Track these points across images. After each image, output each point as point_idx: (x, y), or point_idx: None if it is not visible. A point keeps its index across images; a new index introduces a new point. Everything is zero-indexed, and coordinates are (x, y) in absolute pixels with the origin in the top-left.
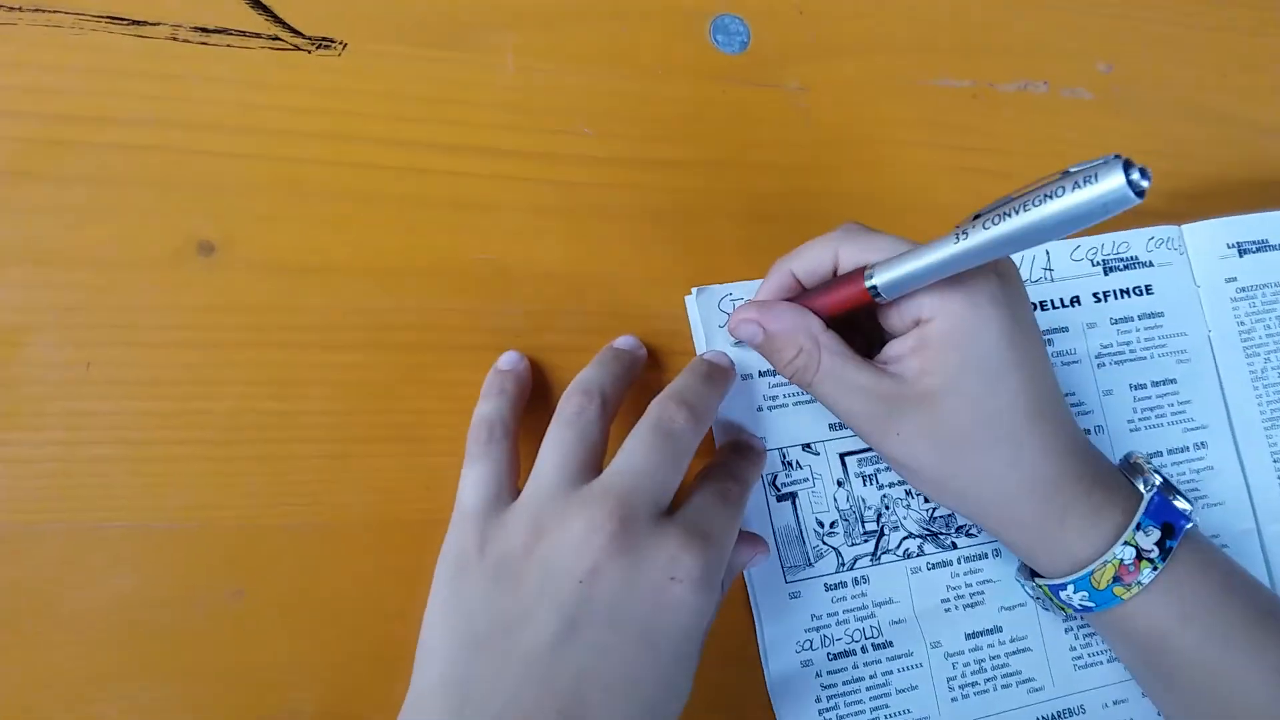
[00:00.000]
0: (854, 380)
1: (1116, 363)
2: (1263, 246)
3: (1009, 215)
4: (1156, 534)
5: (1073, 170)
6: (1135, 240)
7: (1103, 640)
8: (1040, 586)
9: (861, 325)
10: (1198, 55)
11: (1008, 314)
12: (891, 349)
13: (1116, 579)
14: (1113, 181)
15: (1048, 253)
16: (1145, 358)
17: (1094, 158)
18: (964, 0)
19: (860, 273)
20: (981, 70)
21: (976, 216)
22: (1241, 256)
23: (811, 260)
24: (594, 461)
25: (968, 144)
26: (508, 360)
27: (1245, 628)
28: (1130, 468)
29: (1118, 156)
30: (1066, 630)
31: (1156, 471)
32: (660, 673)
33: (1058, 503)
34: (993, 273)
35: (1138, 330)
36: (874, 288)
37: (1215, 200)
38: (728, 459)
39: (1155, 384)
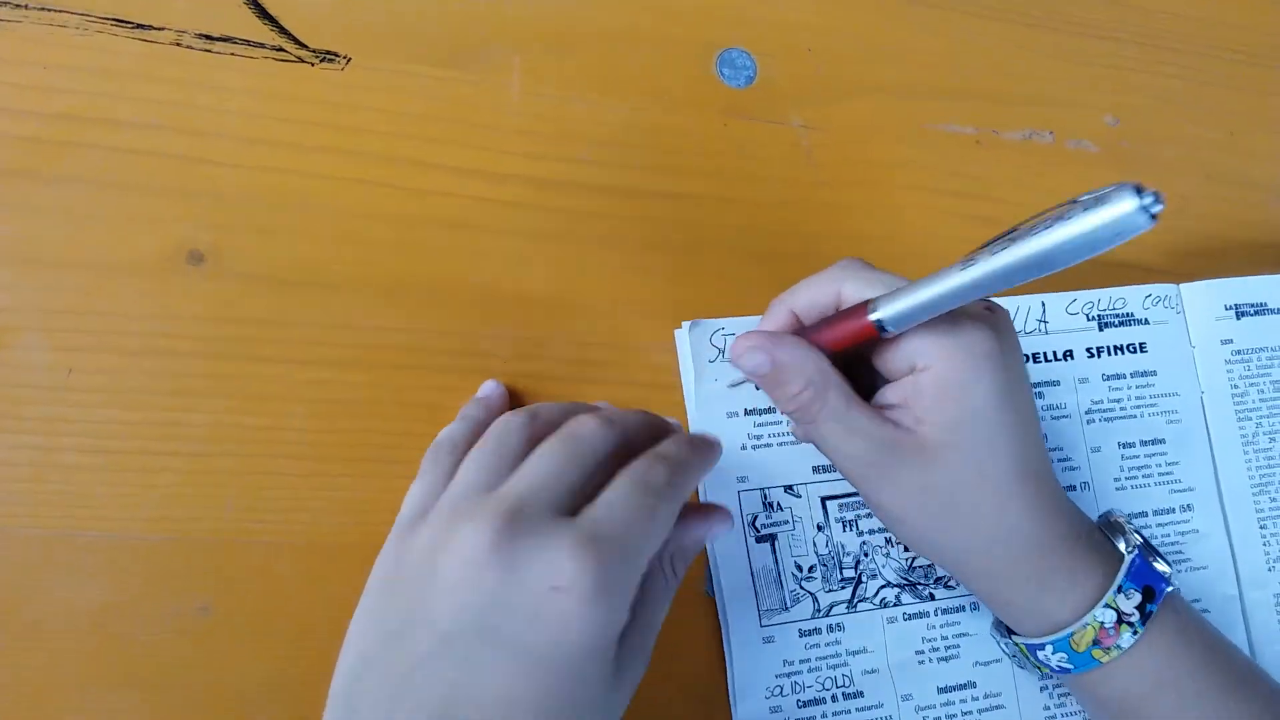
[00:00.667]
0: (857, 423)
1: (1106, 420)
2: (1261, 310)
3: (1016, 242)
4: (1137, 597)
5: (1082, 198)
6: (1132, 296)
7: (1076, 701)
8: (1017, 645)
9: (855, 370)
10: (1206, 113)
11: (1002, 369)
12: (887, 394)
13: (1096, 642)
14: (1124, 206)
15: (1043, 304)
16: (1135, 416)
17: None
18: (972, 47)
19: (863, 307)
20: (987, 117)
21: (984, 246)
22: (1239, 319)
23: (812, 296)
24: (506, 471)
25: (969, 190)
26: (484, 388)
27: (1221, 696)
28: (1110, 527)
29: (1127, 183)
30: (1042, 689)
31: (1136, 531)
32: (546, 693)
33: (1040, 563)
34: (988, 325)
35: (1129, 388)
36: (879, 322)
37: (1215, 260)
38: (665, 444)
39: (1144, 443)
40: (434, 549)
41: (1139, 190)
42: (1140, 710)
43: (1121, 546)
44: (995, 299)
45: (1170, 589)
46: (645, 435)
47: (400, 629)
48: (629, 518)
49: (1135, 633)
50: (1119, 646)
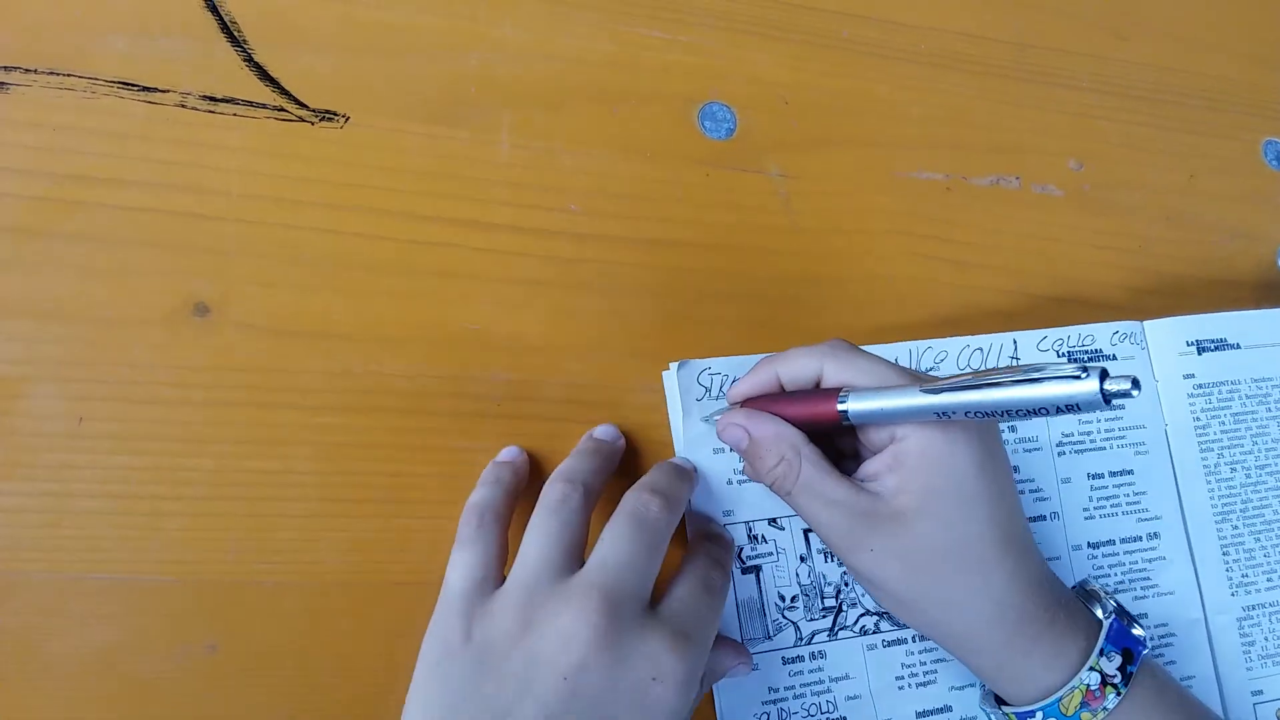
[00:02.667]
0: (831, 494)
1: (1076, 451)
2: (1221, 345)
3: (976, 388)
4: (1118, 659)
5: (1050, 366)
6: (1100, 333)
7: None
8: (1008, 715)
9: (841, 439)
10: (1167, 157)
11: (979, 443)
12: (869, 466)
13: (1084, 704)
14: (1086, 387)
15: (1015, 342)
16: (1104, 448)
17: (1062, 251)
18: (941, 97)
19: (836, 392)
20: (956, 164)
21: (953, 377)
22: (1200, 354)
23: (797, 369)
24: (577, 550)
25: (941, 235)
26: (508, 453)
27: None
28: (1086, 595)
29: (1096, 368)
30: None
31: (1112, 597)
32: None
33: (1025, 632)
34: None
35: (1098, 421)
36: (845, 413)
37: (1177, 298)
38: (708, 546)
39: (1113, 474)
40: (524, 632)
41: (1104, 376)
42: None
43: (1099, 612)
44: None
45: (1146, 650)
46: (687, 494)
47: (502, 710)
48: (701, 615)
49: (1119, 693)
50: (1105, 708)
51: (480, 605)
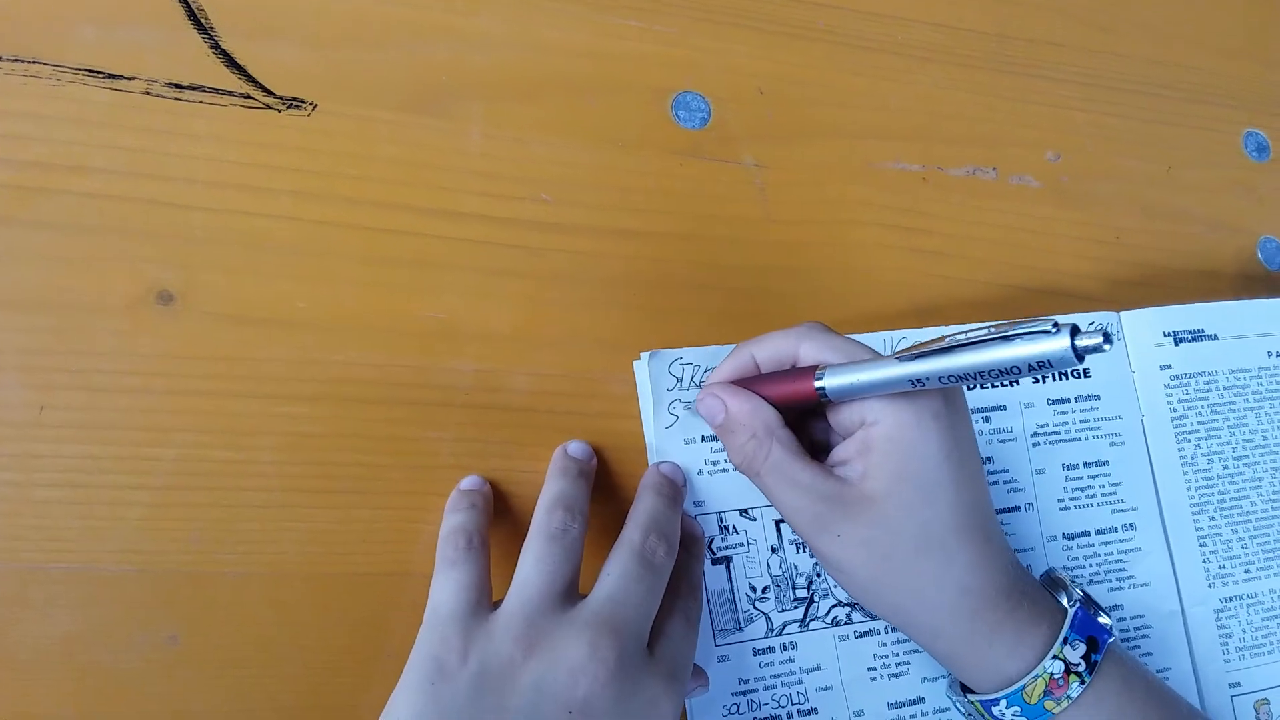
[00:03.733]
0: (799, 477)
1: (1051, 442)
2: (1198, 336)
3: (950, 350)
4: (1082, 648)
5: (1020, 326)
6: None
7: None
8: (973, 703)
9: (815, 428)
10: (1144, 149)
11: (948, 430)
12: (839, 452)
13: (1047, 693)
14: (1057, 344)
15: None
16: (1080, 439)
17: (1039, 242)
18: (918, 88)
19: (812, 370)
20: (932, 155)
21: (927, 343)
22: (1177, 345)
23: (773, 350)
24: (576, 580)
25: (916, 225)
26: (471, 481)
27: None
28: (1051, 583)
29: (1068, 325)
30: None
31: (1078, 586)
32: None
33: (987, 619)
34: (938, 390)
35: (1074, 411)
36: (822, 389)
37: (1152, 289)
38: (686, 564)
39: (1088, 464)
40: (527, 659)
41: (1074, 332)
42: None
43: (1064, 601)
44: None
45: (1112, 639)
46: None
47: None
48: (686, 654)
49: (1083, 682)
50: (1069, 697)
51: (477, 627)
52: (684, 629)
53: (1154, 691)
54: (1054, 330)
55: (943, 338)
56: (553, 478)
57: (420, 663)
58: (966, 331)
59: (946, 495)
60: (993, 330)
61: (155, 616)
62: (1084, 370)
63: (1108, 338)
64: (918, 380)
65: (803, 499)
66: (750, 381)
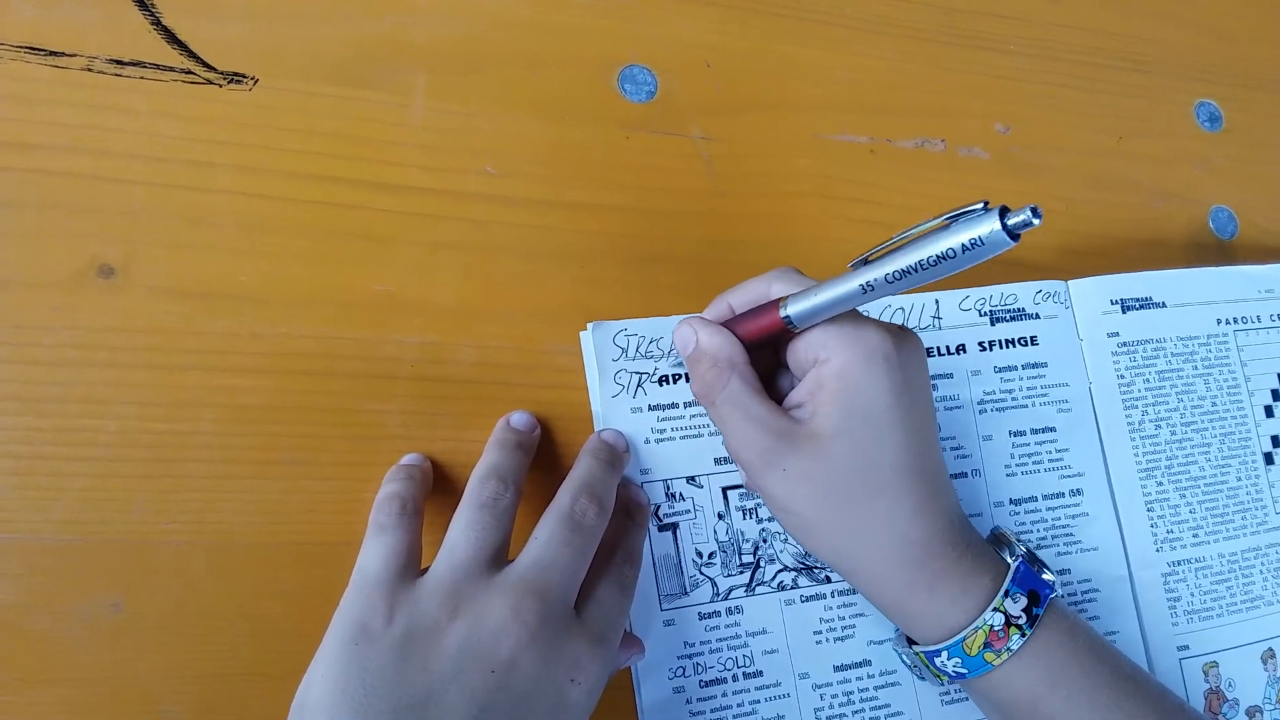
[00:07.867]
0: (752, 409)
1: (998, 409)
2: (1145, 304)
3: (897, 255)
4: (1024, 601)
5: (953, 215)
6: (1023, 293)
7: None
8: (917, 654)
9: (781, 379)
10: (1094, 120)
11: (899, 372)
12: (794, 396)
13: (987, 644)
14: (988, 225)
15: (936, 301)
16: (1026, 405)
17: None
18: (865, 61)
19: (776, 304)
20: (880, 127)
21: (872, 251)
22: (1124, 313)
23: (748, 294)
24: (505, 549)
25: (864, 197)
26: (412, 458)
27: (1111, 691)
28: (996, 540)
29: (995, 208)
30: None
31: (1022, 543)
32: None
33: (929, 568)
34: (891, 332)
35: (1020, 379)
36: (787, 316)
37: (1103, 259)
38: (626, 531)
39: (1035, 431)
40: (452, 621)
41: (1003, 213)
42: (1037, 711)
43: (1007, 556)
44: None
45: (1054, 594)
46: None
47: (426, 697)
48: (616, 618)
49: (1023, 635)
50: (1009, 649)
51: (403, 591)
52: (616, 594)
53: (1096, 648)
54: (984, 210)
55: (890, 239)
56: (490, 449)
57: (344, 624)
58: (910, 230)
59: (894, 436)
60: (934, 222)
61: (98, 585)
62: (1031, 338)
63: (1036, 212)
64: (868, 286)
65: (754, 432)
66: (726, 322)
